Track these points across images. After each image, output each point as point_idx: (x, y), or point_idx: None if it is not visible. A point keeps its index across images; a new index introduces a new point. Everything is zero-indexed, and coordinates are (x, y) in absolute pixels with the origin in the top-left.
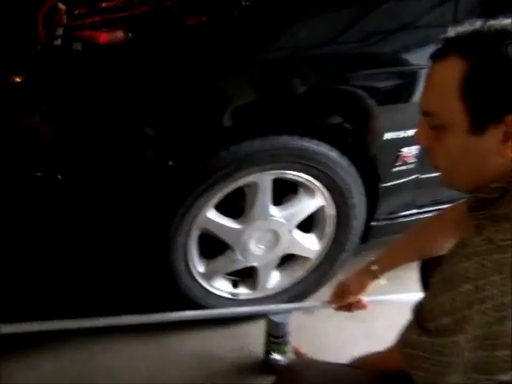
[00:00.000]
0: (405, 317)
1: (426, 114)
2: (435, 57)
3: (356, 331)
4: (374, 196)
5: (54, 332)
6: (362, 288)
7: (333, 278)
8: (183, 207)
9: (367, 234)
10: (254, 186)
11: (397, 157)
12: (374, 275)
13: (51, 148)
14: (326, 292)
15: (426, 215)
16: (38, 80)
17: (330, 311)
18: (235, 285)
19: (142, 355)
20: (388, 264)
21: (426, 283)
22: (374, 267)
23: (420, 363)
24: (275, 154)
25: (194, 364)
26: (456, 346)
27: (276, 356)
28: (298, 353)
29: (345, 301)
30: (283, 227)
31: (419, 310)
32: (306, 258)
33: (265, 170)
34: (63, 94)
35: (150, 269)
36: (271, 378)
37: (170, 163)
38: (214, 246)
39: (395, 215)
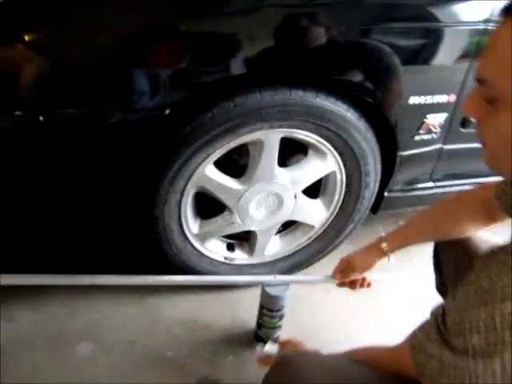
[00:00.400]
0: (409, 296)
1: (480, 82)
2: (506, 13)
3: (357, 306)
4: (389, 165)
5: (34, 286)
6: (368, 266)
7: (337, 248)
8: (179, 161)
9: (378, 205)
10: (259, 144)
11: (421, 124)
12: (383, 253)
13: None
14: (328, 265)
15: (442, 190)
16: None
17: (331, 284)
18: (231, 248)
19: (129, 317)
20: (400, 242)
21: (438, 266)
22: (384, 245)
23: (437, 378)
24: (286, 110)
25: (182, 330)
26: (485, 372)
27: (268, 330)
28: (283, 344)
29: (349, 277)
30: (288, 191)
31: (441, 316)
32: (309, 226)
33: (273, 128)
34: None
35: (140, 226)
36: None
37: (167, 112)
38: (210, 206)
39: (410, 187)
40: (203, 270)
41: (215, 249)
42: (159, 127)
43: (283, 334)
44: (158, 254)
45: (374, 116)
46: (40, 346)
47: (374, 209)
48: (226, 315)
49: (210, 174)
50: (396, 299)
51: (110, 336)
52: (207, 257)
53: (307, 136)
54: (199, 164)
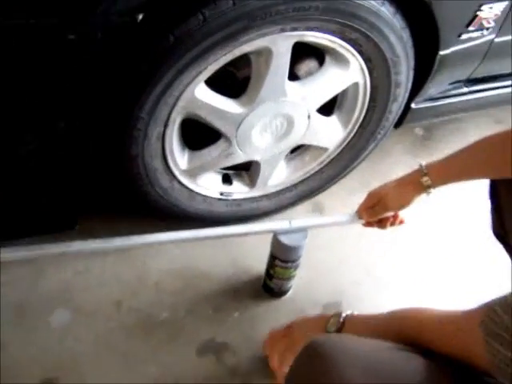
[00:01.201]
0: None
1: None
2: None
3: (378, 240)
4: (423, 71)
5: None
6: (404, 203)
7: (350, 173)
8: (161, 84)
9: (402, 118)
10: (265, 54)
11: (472, 18)
12: (424, 189)
13: None
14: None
15: (475, 96)
16: None
17: (348, 210)
18: (227, 180)
19: (109, 272)
20: (445, 178)
21: (497, 207)
22: (426, 180)
23: None
24: (304, 6)
25: (175, 284)
26: None
27: (281, 281)
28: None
29: (379, 216)
30: (300, 111)
31: None
32: (321, 148)
33: (285, 31)
34: None
35: (115, 167)
36: (272, 307)
37: (140, 17)
38: (200, 134)
39: (441, 95)
40: (194, 211)
41: (209, 184)
42: (130, 40)
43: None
44: (140, 198)
45: (413, 9)
46: (4, 320)
47: (397, 123)
48: (226, 261)
49: (201, 96)
50: (423, 232)
51: (88, 298)
52: (199, 194)
53: (327, 40)
54: (187, 85)
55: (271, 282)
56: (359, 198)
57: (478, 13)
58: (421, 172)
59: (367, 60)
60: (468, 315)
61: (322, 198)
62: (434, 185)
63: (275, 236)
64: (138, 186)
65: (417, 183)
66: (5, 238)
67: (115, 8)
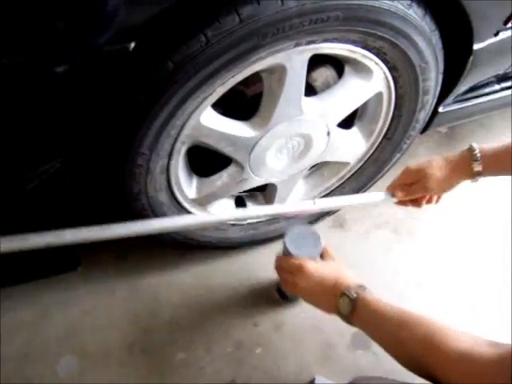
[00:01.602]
0: None
1: None
2: None
3: (403, 254)
4: (454, 72)
5: None
6: (446, 187)
7: (373, 186)
8: (162, 115)
9: (429, 123)
10: (279, 71)
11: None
12: (473, 176)
13: None
14: (372, 214)
15: (508, 93)
16: None
17: (369, 222)
18: (240, 203)
19: (124, 310)
20: (501, 168)
21: None
22: (477, 167)
23: None
24: (322, 18)
25: (191, 319)
26: None
27: None
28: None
29: (416, 195)
30: (319, 128)
31: None
32: (342, 163)
33: (300, 45)
34: None
35: (118, 206)
36: (286, 313)
37: (132, 45)
38: (209, 159)
39: (471, 95)
40: (208, 239)
41: (221, 211)
42: (124, 70)
43: None
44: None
45: (442, 10)
46: (4, 369)
47: (423, 129)
48: (242, 288)
49: (207, 122)
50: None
51: (97, 341)
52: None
53: (347, 50)
54: (191, 113)
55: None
56: (381, 209)
57: None
58: (472, 157)
59: (392, 69)
60: (497, 358)
61: (342, 211)
62: (485, 173)
63: (285, 244)
64: None
65: (466, 168)
66: (5, 283)
67: (104, 37)
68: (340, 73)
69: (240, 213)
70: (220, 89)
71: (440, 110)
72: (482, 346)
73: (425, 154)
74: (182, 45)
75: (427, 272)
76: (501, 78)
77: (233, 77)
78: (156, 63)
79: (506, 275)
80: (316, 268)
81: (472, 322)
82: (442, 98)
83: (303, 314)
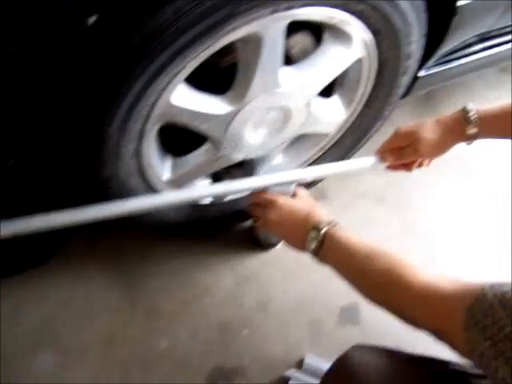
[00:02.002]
0: None
1: None
2: None
3: (388, 224)
4: (436, 32)
5: None
6: (439, 151)
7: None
8: (130, 95)
9: (409, 88)
10: (254, 41)
11: None
12: (467, 139)
13: None
14: (353, 184)
15: (489, 52)
16: None
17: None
18: (218, 181)
19: (102, 299)
20: (498, 131)
21: None
22: (473, 129)
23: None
24: None
25: (173, 306)
26: None
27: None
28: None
29: (406, 159)
30: (298, 99)
31: None
32: (321, 134)
33: (277, 12)
34: None
35: (90, 192)
36: (270, 292)
37: (93, 19)
38: (183, 136)
39: (453, 56)
40: (185, 221)
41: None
42: (83, 48)
43: None
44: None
45: None
46: None
47: (404, 94)
48: (227, 272)
49: (179, 101)
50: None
51: (74, 334)
52: (187, 204)
53: (328, 15)
54: (163, 90)
55: (260, 235)
56: (360, 178)
57: None
58: (467, 119)
59: (374, 33)
60: (456, 294)
61: (322, 182)
62: (480, 136)
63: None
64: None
65: (460, 131)
66: None
67: (61, 12)
68: (317, 37)
69: (222, 187)
70: (192, 63)
71: (421, 74)
72: (443, 280)
73: (404, 119)
74: (151, 16)
75: (414, 240)
76: (483, 38)
77: (206, 49)
78: (121, 38)
79: (503, 235)
80: (289, 201)
81: None
82: (423, 61)
83: (286, 295)
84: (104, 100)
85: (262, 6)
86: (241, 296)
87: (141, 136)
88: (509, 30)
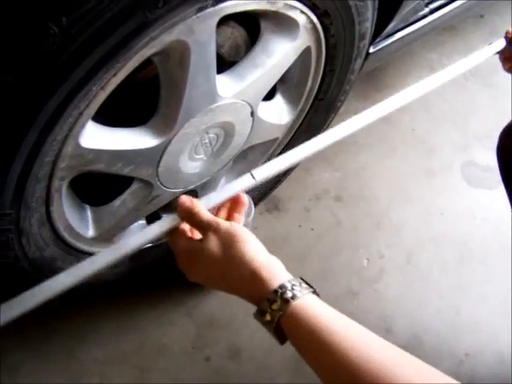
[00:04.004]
0: None
1: None
2: None
3: (355, 224)
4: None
5: None
6: None
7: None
8: (17, 159)
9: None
10: (178, 51)
11: None
12: None
13: None
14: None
15: (436, 15)
16: None
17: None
18: (154, 220)
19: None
20: None
21: None
22: None
23: None
24: None
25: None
26: None
27: None
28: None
29: None
30: (240, 111)
31: None
32: (269, 141)
33: (205, 9)
34: None
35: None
36: (239, 337)
37: None
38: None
39: (401, 26)
40: (122, 273)
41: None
42: None
43: None
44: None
45: None
46: None
47: None
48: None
49: (90, 143)
50: None
51: None
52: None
53: (267, 1)
54: (67, 135)
55: None
56: (315, 177)
57: None
58: None
59: (322, 15)
60: None
61: (276, 192)
62: None
63: None
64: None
65: None
66: None
67: None
68: (250, 29)
69: (159, 228)
70: (100, 95)
71: (371, 50)
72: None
73: (354, 101)
74: (26, 46)
75: (389, 242)
76: (429, 1)
77: (114, 75)
78: None
79: None
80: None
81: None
82: (373, 37)
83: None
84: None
85: (185, 5)
86: (205, 347)
87: (47, 200)
88: None
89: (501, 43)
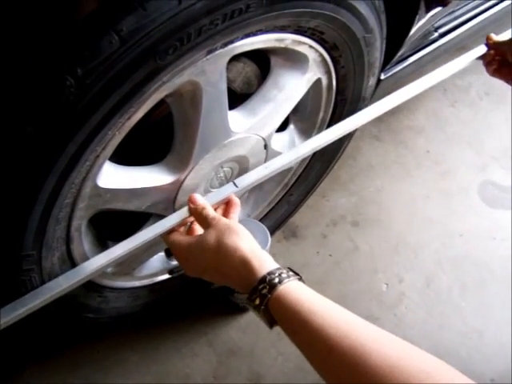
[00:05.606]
0: None
1: None
2: None
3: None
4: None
5: None
6: None
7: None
8: (42, 198)
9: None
10: (190, 91)
11: None
12: None
13: None
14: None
15: (446, 39)
16: None
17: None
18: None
19: None
20: None
21: None
22: None
23: None
24: (240, 9)
25: None
26: None
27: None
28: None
29: None
30: (253, 145)
31: None
32: (285, 170)
33: (214, 51)
34: None
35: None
36: (262, 362)
37: None
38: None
39: (412, 51)
40: (144, 306)
41: (151, 270)
42: None
43: None
44: (72, 326)
45: None
46: None
47: None
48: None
49: (108, 183)
50: None
51: None
52: (143, 287)
53: (275, 40)
54: (84, 179)
55: (233, 297)
56: (332, 203)
57: None
58: None
59: (331, 49)
60: None
61: (290, 219)
62: None
63: None
64: (61, 323)
65: None
66: None
67: None
68: (261, 63)
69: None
70: (116, 138)
71: (382, 77)
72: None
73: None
74: (44, 97)
75: (408, 266)
76: (438, 26)
77: (129, 119)
78: (13, 130)
79: None
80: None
81: None
82: (384, 65)
83: (281, 357)
84: (9, 217)
85: (195, 49)
86: (226, 376)
87: (68, 239)
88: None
89: (481, 49)
